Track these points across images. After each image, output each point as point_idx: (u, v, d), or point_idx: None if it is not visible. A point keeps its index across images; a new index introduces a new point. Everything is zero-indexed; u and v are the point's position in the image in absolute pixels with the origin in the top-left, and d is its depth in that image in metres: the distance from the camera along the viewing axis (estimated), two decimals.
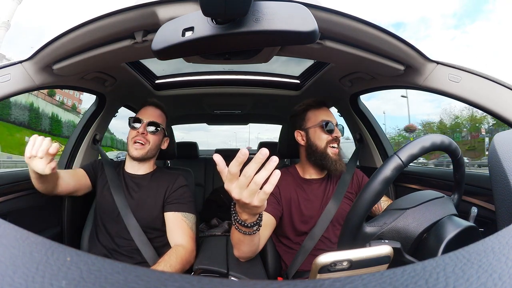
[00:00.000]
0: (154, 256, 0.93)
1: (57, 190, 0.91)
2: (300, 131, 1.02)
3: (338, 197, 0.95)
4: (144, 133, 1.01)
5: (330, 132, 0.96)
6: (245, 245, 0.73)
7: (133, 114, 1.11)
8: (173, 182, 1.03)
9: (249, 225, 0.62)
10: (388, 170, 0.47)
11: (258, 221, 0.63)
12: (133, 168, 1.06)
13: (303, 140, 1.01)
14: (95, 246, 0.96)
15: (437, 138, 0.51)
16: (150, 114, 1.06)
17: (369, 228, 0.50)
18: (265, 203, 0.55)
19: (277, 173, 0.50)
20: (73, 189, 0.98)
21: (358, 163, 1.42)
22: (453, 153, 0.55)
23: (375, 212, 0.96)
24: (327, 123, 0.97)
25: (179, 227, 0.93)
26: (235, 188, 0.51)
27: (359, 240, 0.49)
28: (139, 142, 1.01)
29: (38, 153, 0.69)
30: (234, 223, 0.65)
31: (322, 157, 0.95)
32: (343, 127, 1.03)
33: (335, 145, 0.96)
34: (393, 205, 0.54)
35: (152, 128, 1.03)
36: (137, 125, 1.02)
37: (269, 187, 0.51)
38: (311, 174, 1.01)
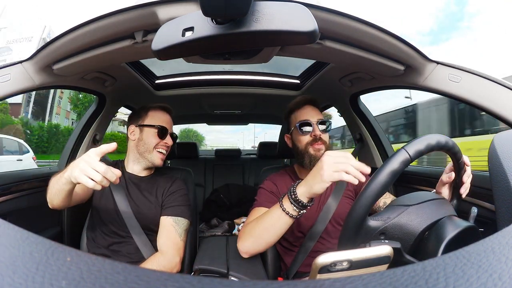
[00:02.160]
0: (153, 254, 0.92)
1: (71, 203, 0.84)
2: (287, 135, 1.05)
3: (337, 196, 0.94)
4: (169, 145, 1.03)
5: (307, 132, 0.94)
6: (273, 231, 0.72)
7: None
8: (170, 185, 1.02)
9: (300, 202, 0.67)
10: (395, 162, 0.47)
11: (308, 204, 0.68)
12: (136, 169, 1.05)
13: (290, 143, 1.03)
14: (93, 247, 0.96)
15: (442, 138, 0.51)
16: (169, 123, 1.05)
17: (373, 222, 0.50)
18: (323, 187, 0.63)
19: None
20: (82, 199, 0.94)
21: None
22: (455, 156, 0.55)
23: (374, 210, 0.95)
24: (302, 123, 0.95)
25: (166, 232, 0.92)
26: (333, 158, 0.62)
27: (362, 233, 0.49)
28: (162, 153, 1.02)
29: (105, 181, 0.64)
30: (283, 202, 0.70)
31: (302, 157, 0.95)
32: (330, 123, 0.98)
33: (318, 143, 0.93)
34: (396, 201, 0.54)
35: (171, 140, 1.05)
36: (164, 134, 1.02)
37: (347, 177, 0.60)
38: (307, 174, 1.01)
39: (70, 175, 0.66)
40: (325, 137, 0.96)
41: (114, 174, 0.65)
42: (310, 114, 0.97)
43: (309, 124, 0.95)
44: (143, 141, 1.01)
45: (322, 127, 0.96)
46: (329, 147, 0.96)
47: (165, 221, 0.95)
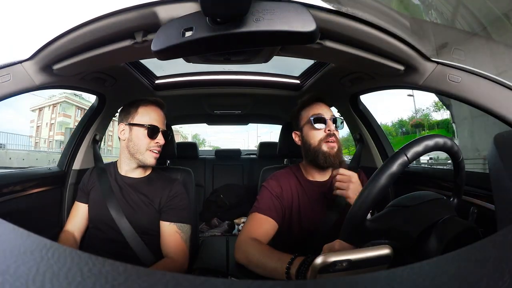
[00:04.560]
0: (152, 259, 0.92)
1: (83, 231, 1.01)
2: (296, 132, 1.01)
3: (341, 200, 0.92)
4: (161, 144, 0.98)
5: (321, 127, 0.92)
6: (265, 274, 0.72)
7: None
8: (170, 189, 0.99)
9: (296, 275, 0.62)
10: (393, 165, 0.47)
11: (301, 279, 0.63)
12: (129, 171, 1.01)
13: (300, 140, 0.99)
14: (91, 252, 0.95)
15: (441, 138, 0.51)
16: (161, 120, 1.00)
17: (371, 224, 0.50)
18: None
19: None
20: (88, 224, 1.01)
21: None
22: (455, 156, 0.55)
23: None
24: (316, 117, 0.92)
25: (172, 239, 0.91)
26: None
27: (361, 235, 0.49)
28: (155, 152, 0.97)
29: None
30: (291, 270, 0.64)
31: (315, 154, 0.91)
32: (342, 121, 0.97)
33: (332, 140, 0.91)
34: (395, 202, 0.54)
35: (164, 138, 0.99)
36: (155, 134, 0.97)
37: None
38: (313, 175, 0.98)
39: None
40: (338, 134, 0.94)
41: None
42: (323, 109, 0.95)
43: (323, 119, 0.92)
44: (133, 141, 0.96)
45: (335, 124, 0.94)
46: (341, 147, 0.94)
47: (169, 228, 0.93)
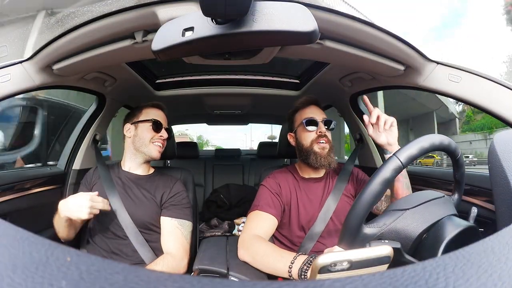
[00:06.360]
0: (152, 257, 0.92)
1: (78, 227, 0.97)
2: (291, 133, 1.06)
3: (336, 195, 0.95)
4: (164, 138, 1.06)
5: (313, 129, 0.97)
6: (269, 272, 0.74)
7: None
8: (171, 187, 1.03)
9: (302, 277, 0.64)
10: (387, 171, 0.48)
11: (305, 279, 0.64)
12: (133, 167, 1.06)
13: (294, 141, 1.05)
14: (92, 248, 0.96)
15: (436, 138, 0.51)
16: (163, 119, 1.09)
17: (368, 229, 0.50)
18: None
19: None
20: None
21: (358, 163, 1.42)
22: (453, 153, 0.55)
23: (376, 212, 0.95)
24: (308, 120, 0.97)
25: (172, 235, 0.93)
26: None
27: (359, 241, 0.49)
28: (159, 145, 1.05)
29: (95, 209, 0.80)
30: (292, 269, 0.67)
31: (307, 155, 0.96)
32: (334, 123, 1.02)
33: (323, 140, 0.95)
34: (392, 205, 0.54)
35: (166, 134, 1.08)
36: (159, 128, 1.06)
37: None
38: (309, 173, 1.02)
39: (65, 215, 0.81)
40: (330, 135, 0.98)
41: (100, 202, 0.82)
42: (315, 112, 1.00)
43: (314, 121, 0.97)
44: (138, 136, 1.03)
45: (327, 126, 0.98)
46: (332, 147, 0.98)
47: (170, 223, 0.95)
